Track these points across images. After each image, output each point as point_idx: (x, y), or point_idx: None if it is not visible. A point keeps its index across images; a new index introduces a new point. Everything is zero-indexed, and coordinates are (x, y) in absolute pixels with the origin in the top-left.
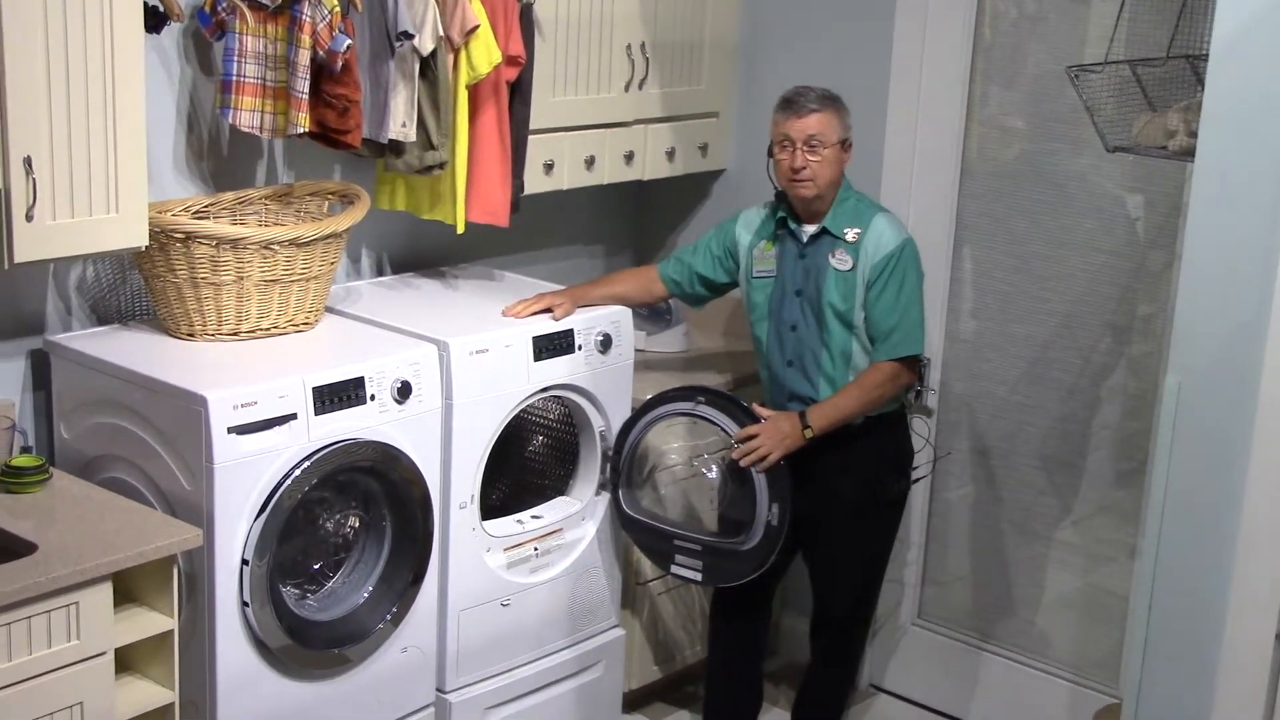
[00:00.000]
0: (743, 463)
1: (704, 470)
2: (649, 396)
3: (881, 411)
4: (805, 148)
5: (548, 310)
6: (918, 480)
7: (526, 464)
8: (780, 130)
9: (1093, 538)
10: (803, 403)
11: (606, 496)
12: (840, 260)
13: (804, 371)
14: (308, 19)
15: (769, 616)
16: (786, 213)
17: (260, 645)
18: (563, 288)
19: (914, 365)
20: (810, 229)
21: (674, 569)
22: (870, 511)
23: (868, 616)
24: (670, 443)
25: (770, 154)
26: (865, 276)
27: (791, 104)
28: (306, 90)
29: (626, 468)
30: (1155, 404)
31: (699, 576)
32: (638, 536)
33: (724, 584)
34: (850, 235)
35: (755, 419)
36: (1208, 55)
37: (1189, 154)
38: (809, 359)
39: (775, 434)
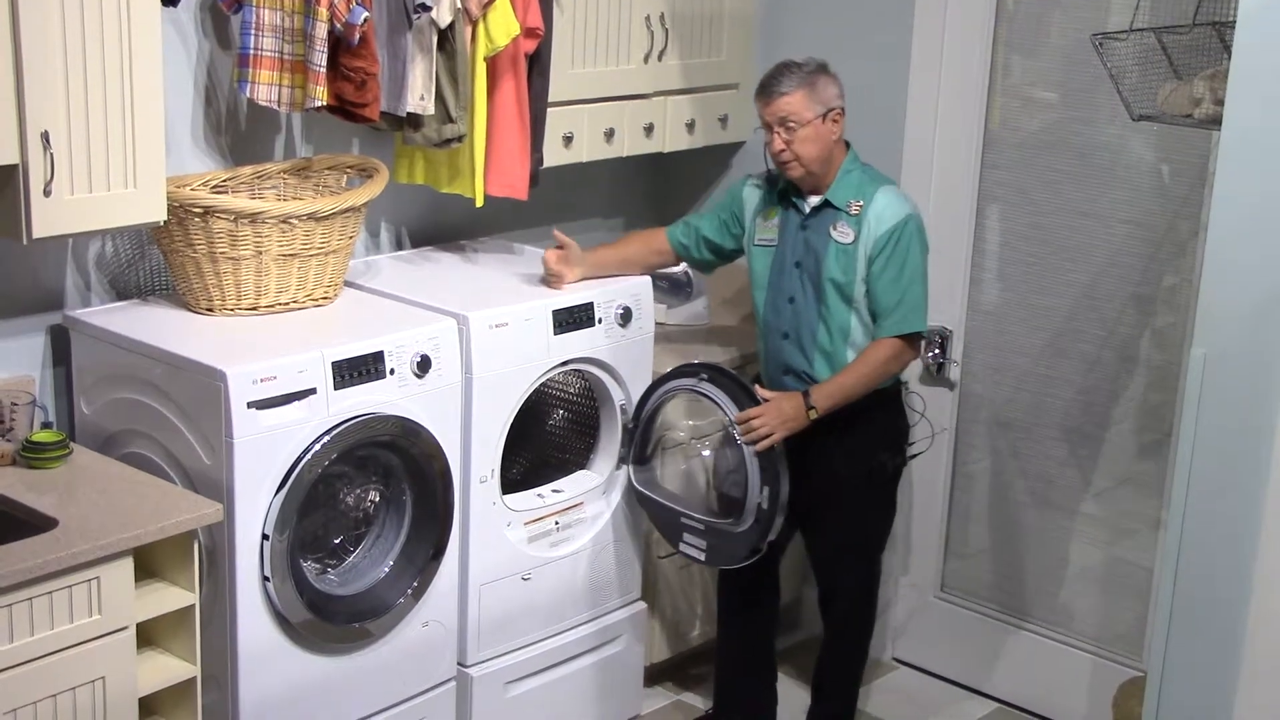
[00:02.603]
0: (743, 441)
1: (701, 450)
2: (665, 372)
3: (878, 388)
4: (781, 130)
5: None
6: (915, 456)
7: (547, 438)
8: (760, 114)
9: (1115, 510)
10: (797, 377)
11: (627, 470)
12: (841, 233)
13: (800, 345)
14: None
15: (776, 594)
16: (788, 185)
17: (281, 620)
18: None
19: (916, 342)
20: (813, 201)
21: (681, 547)
22: (867, 489)
23: (872, 589)
24: (679, 420)
25: None
26: (867, 251)
27: (763, 87)
28: (324, 63)
29: (638, 444)
30: (1179, 376)
31: (703, 556)
32: (650, 511)
33: (725, 565)
34: (853, 208)
35: (756, 400)
36: (1234, 22)
37: (1215, 122)
38: (805, 333)
39: (777, 415)
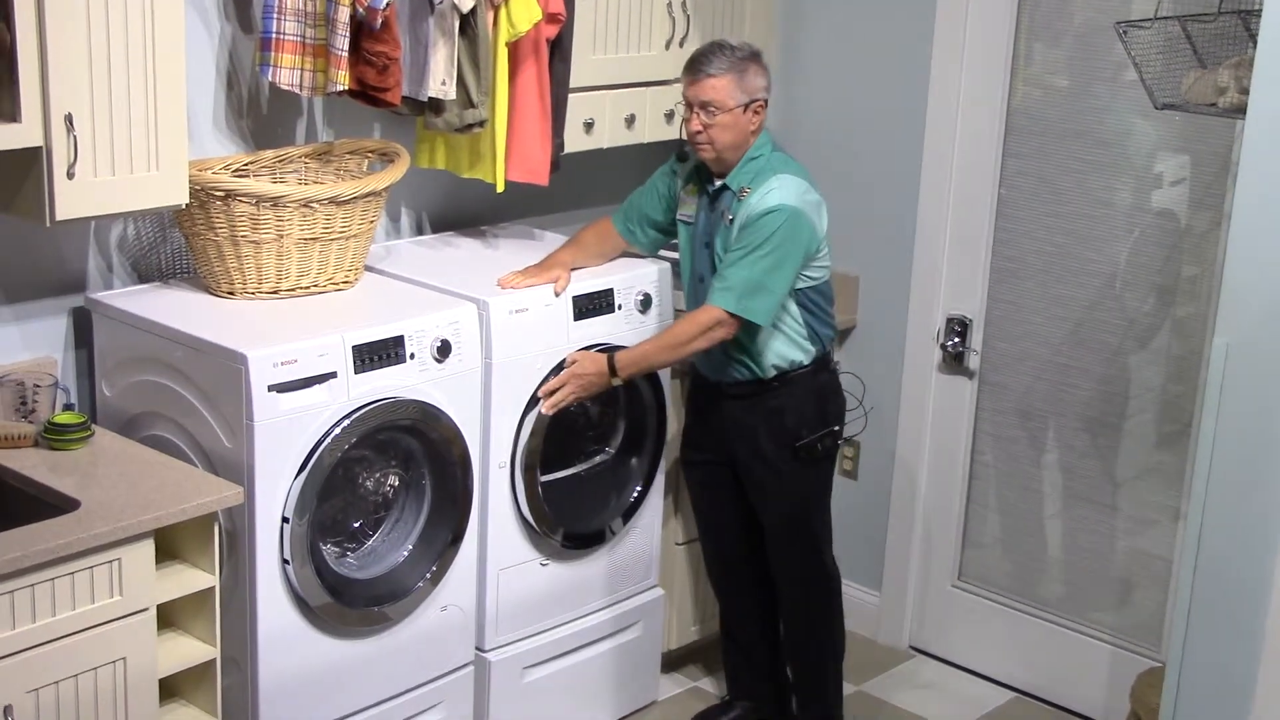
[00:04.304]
0: (542, 403)
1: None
2: None
3: (793, 366)
4: (701, 112)
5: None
6: (849, 439)
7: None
8: (683, 91)
9: (1135, 500)
10: (709, 361)
11: (647, 455)
12: (728, 217)
13: None
14: None
15: (764, 582)
16: (702, 164)
17: (300, 603)
18: (552, 254)
19: (734, 324)
20: (717, 183)
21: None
22: (792, 463)
23: (825, 584)
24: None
25: None
26: (736, 230)
27: (692, 65)
28: (346, 48)
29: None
30: (1199, 366)
31: None
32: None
33: None
34: (742, 193)
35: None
36: (1260, 11)
37: (1239, 111)
38: None
39: (575, 377)
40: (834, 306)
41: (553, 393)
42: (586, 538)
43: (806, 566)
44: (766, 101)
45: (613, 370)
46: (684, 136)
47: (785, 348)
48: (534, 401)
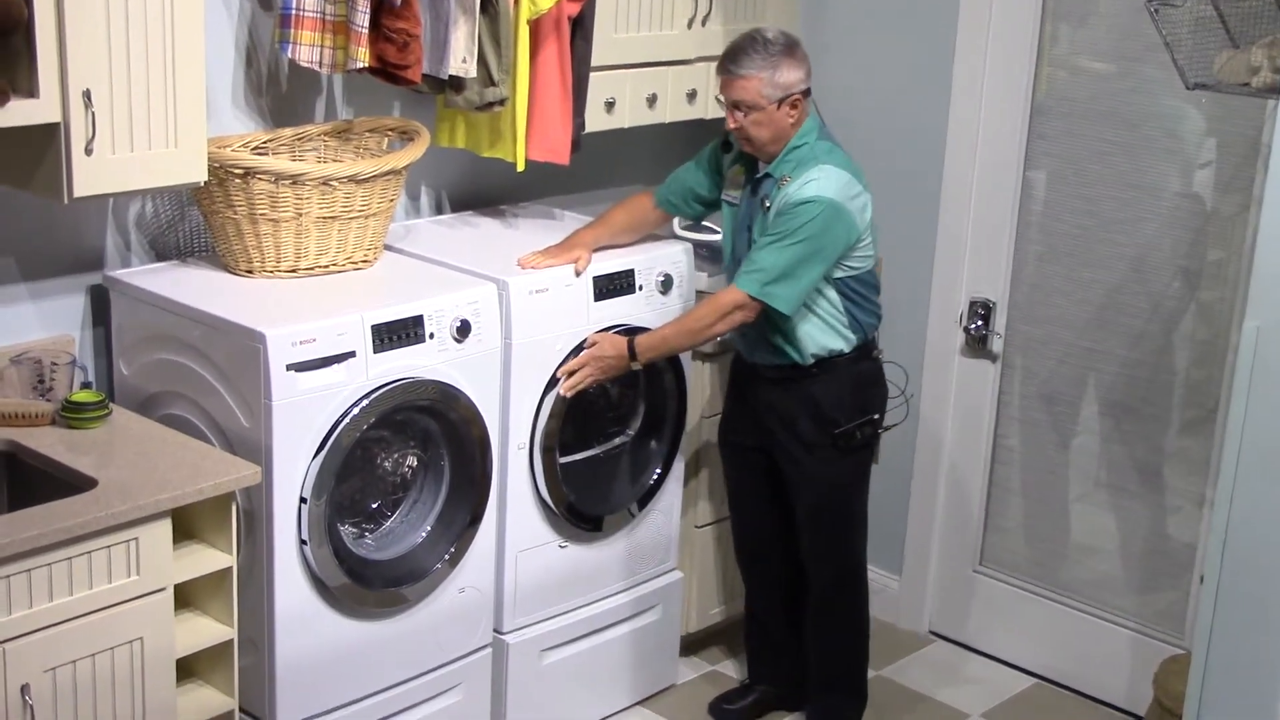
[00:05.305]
0: (561, 384)
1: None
2: None
3: (832, 353)
4: (736, 110)
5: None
6: (889, 428)
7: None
8: (718, 88)
9: (1158, 486)
10: (747, 343)
11: (667, 438)
12: (768, 203)
13: None
14: None
15: (792, 565)
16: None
17: (318, 583)
18: (574, 233)
19: (755, 309)
20: (762, 169)
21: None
22: (830, 450)
23: (855, 572)
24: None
25: None
26: (772, 216)
27: (723, 64)
28: (366, 24)
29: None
30: (1225, 351)
31: None
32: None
33: None
34: (783, 182)
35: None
36: None
37: (1273, 91)
38: None
39: (595, 359)
40: (879, 294)
41: (572, 374)
42: (605, 520)
43: (837, 554)
44: (807, 92)
45: (632, 353)
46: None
47: (826, 335)
48: (554, 382)
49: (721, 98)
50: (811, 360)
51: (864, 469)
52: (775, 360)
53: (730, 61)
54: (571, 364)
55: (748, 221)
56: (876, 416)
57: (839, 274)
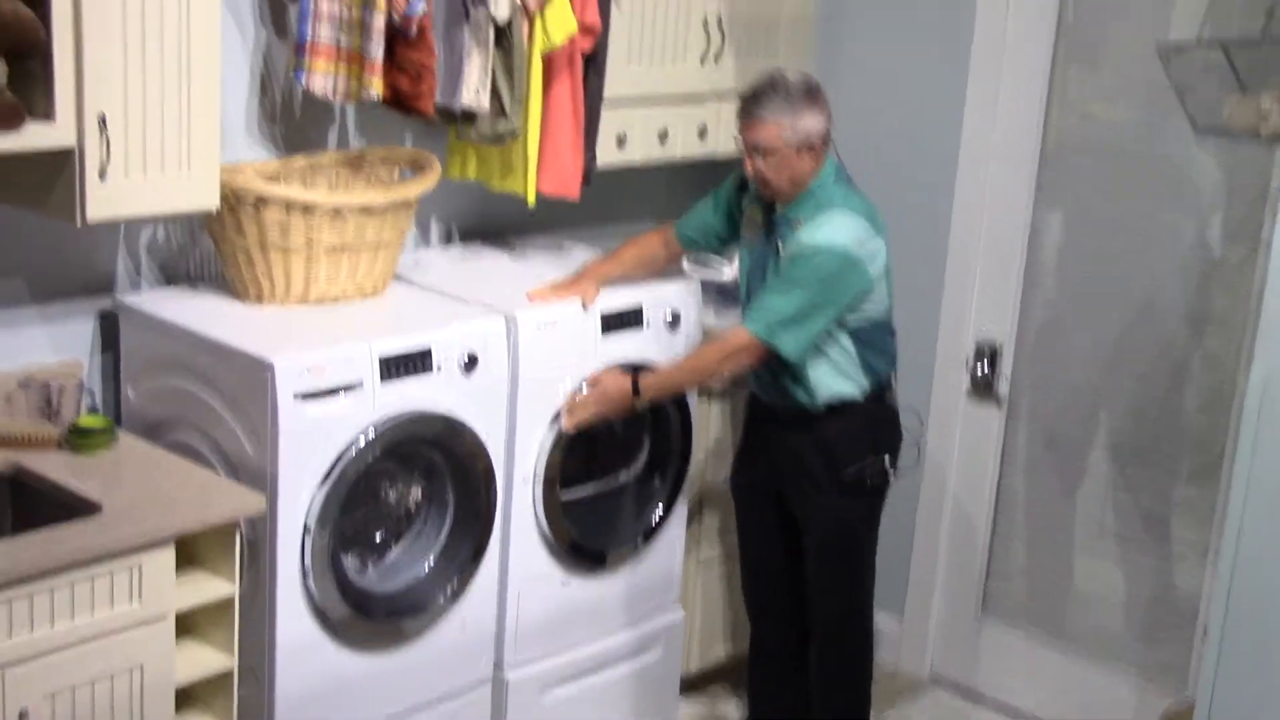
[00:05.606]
0: (563, 419)
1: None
2: None
3: (844, 398)
4: (755, 154)
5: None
6: (902, 471)
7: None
8: (737, 128)
9: (1163, 535)
10: (761, 384)
11: (671, 475)
12: (781, 245)
13: None
14: None
15: (801, 604)
16: None
17: (320, 614)
18: (584, 266)
19: (761, 351)
20: (778, 210)
21: None
22: (839, 491)
23: (860, 616)
24: None
25: None
26: (784, 261)
27: (744, 108)
28: (381, 54)
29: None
30: (1231, 398)
31: None
32: None
33: None
34: (797, 225)
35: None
36: None
37: None
38: None
39: (599, 395)
40: (894, 338)
41: (574, 411)
42: (608, 556)
43: (843, 592)
44: (827, 138)
45: (636, 391)
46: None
47: (838, 381)
48: (558, 416)
49: (739, 140)
50: (826, 403)
51: (874, 511)
52: (787, 402)
53: (750, 104)
54: (574, 400)
55: (763, 263)
56: (888, 460)
57: (853, 320)
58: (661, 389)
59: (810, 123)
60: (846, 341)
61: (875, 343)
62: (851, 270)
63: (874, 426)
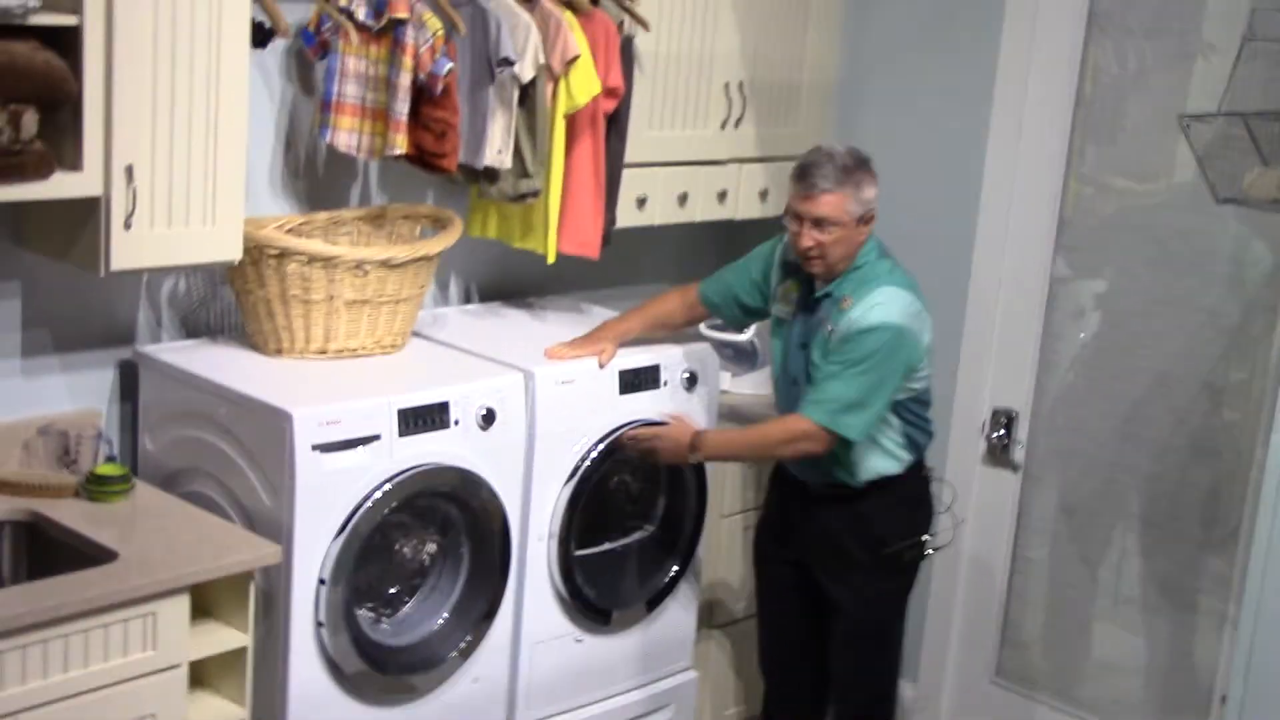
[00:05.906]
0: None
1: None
2: None
3: (885, 474)
4: (815, 229)
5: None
6: (938, 548)
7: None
8: (792, 204)
9: (1180, 604)
10: (800, 461)
11: (686, 535)
12: (828, 325)
13: None
14: (411, 41)
15: (821, 677)
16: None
17: (333, 667)
18: (603, 324)
19: (828, 438)
20: (821, 288)
21: None
22: (876, 569)
23: (886, 692)
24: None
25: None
26: (836, 341)
27: (804, 179)
28: (406, 112)
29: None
30: (1249, 469)
31: None
32: None
33: None
34: (845, 303)
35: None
36: None
37: None
38: None
39: (666, 434)
40: (931, 410)
41: (635, 436)
42: (621, 615)
43: (869, 678)
44: (875, 210)
45: (694, 446)
46: (789, 254)
47: (881, 459)
48: (574, 473)
49: (797, 213)
50: (866, 482)
51: (906, 590)
52: (823, 479)
53: (811, 175)
54: (644, 430)
55: (803, 339)
56: (925, 538)
57: (900, 396)
58: (719, 451)
59: (870, 192)
60: (894, 420)
61: (918, 418)
62: (905, 345)
63: (912, 502)
